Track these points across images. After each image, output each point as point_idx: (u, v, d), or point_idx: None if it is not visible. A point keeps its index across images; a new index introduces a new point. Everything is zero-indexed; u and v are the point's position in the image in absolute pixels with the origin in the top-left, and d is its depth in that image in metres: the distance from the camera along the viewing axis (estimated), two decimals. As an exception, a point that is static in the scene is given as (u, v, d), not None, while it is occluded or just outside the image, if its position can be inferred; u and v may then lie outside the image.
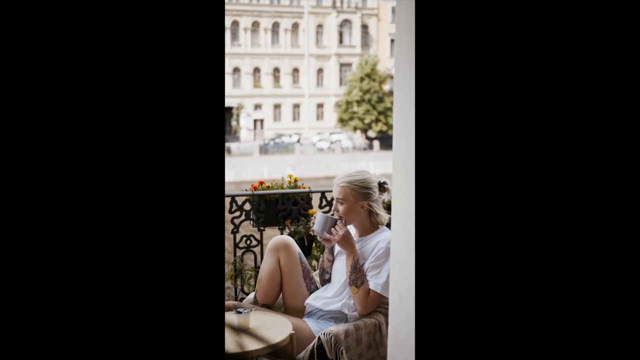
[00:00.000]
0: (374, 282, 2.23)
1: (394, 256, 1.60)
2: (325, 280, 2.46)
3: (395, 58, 1.55)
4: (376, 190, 2.36)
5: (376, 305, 2.26)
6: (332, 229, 2.28)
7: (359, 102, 31.09)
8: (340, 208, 2.33)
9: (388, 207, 2.49)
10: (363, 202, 2.32)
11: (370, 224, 2.37)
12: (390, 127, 31.66)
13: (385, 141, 31.18)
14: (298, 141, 31.29)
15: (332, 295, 2.35)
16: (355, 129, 31.73)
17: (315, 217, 2.35)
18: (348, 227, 2.39)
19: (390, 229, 2.42)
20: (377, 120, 31.40)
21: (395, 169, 1.57)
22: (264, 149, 29.55)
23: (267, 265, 2.41)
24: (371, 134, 32.20)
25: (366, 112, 30.92)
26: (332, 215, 2.37)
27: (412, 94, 1.38)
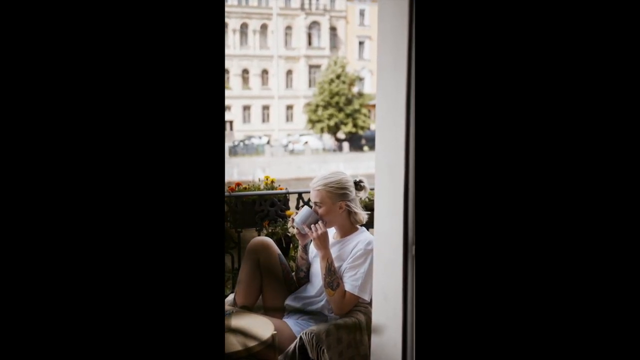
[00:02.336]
0: (351, 284, 2.24)
1: (378, 256, 1.62)
2: (301, 279, 2.47)
3: (378, 59, 1.57)
4: (352, 189, 2.38)
5: (352, 306, 2.27)
6: (313, 225, 2.28)
7: (324, 107, 31.21)
8: (319, 211, 2.33)
9: (366, 206, 2.51)
10: (341, 202, 2.33)
11: (350, 225, 2.39)
12: (359, 128, 31.84)
13: (355, 142, 31.33)
14: (268, 143, 31.18)
15: (312, 296, 2.36)
16: (322, 130, 31.82)
17: (300, 208, 2.36)
18: (329, 229, 2.40)
19: (367, 229, 2.46)
20: (343, 123, 31.55)
21: (378, 169, 1.58)
22: (233, 151, 29.34)
23: (246, 267, 2.40)
24: (340, 135, 32.33)
25: (330, 116, 31.07)
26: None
27: (398, 94, 1.40)
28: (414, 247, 1.42)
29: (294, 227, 2.38)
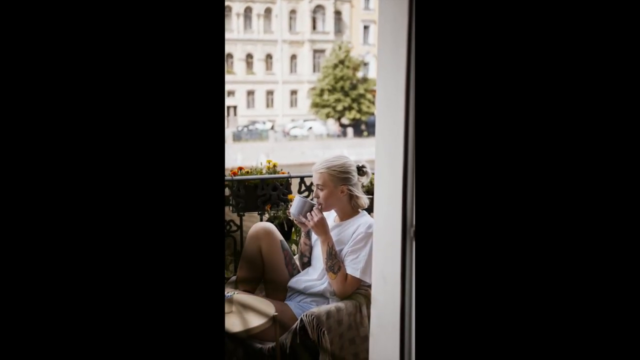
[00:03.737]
0: (352, 267, 2.27)
1: (377, 240, 1.64)
2: (304, 264, 2.50)
3: (378, 46, 1.57)
4: (355, 174, 2.39)
5: (355, 289, 2.30)
6: (308, 213, 2.31)
7: (330, 91, 31.07)
8: (321, 194, 2.35)
9: (367, 191, 2.52)
10: (342, 186, 2.35)
11: (351, 209, 2.41)
12: (363, 114, 31.72)
13: (359, 128, 31.25)
14: (272, 128, 31.14)
15: (314, 279, 2.39)
16: (327, 116, 31.72)
17: (294, 199, 2.38)
18: (329, 212, 2.42)
19: (369, 213, 2.48)
20: (350, 108, 31.45)
21: (378, 155, 1.59)
22: (237, 136, 29.34)
23: (248, 252, 2.42)
24: (345, 121, 32.24)
25: (337, 100, 30.94)
26: (312, 200, 2.40)
27: (397, 80, 1.41)
28: (412, 230, 1.44)
29: (290, 216, 2.40)
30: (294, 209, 2.34)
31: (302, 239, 2.48)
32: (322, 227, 2.30)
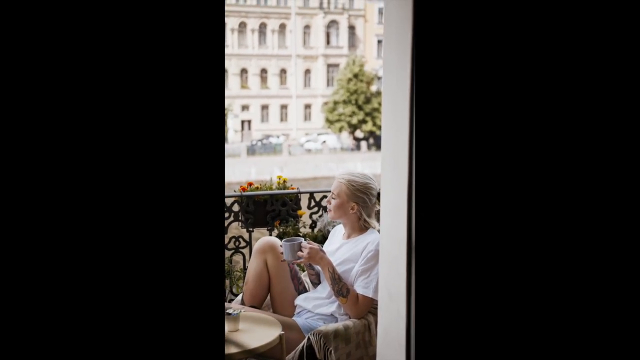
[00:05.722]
0: (364, 287, 2.23)
1: (383, 255, 1.61)
2: (316, 284, 2.47)
3: (383, 59, 1.56)
4: (372, 198, 2.35)
5: (369, 308, 2.26)
6: (299, 252, 2.28)
7: (345, 103, 31.16)
8: (332, 202, 2.34)
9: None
10: (354, 204, 2.33)
11: (359, 227, 2.38)
12: (378, 127, 31.71)
13: (374, 141, 31.23)
14: (287, 142, 31.25)
15: (323, 297, 2.35)
16: (341, 129, 31.78)
17: (282, 247, 2.35)
18: (338, 224, 2.39)
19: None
20: (364, 121, 31.49)
21: (384, 167, 1.57)
22: (251, 150, 29.48)
23: (253, 267, 2.40)
24: (359, 134, 32.27)
25: (352, 113, 31.01)
26: (296, 237, 2.40)
27: (402, 93, 1.39)
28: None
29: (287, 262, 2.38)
30: (285, 255, 2.31)
31: (307, 270, 2.46)
32: (317, 257, 2.26)
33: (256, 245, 2.44)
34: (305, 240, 2.32)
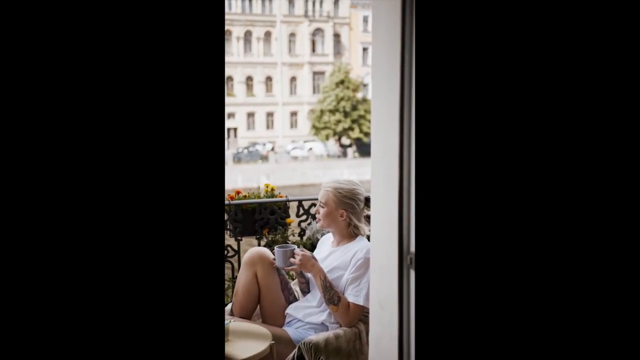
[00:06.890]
0: (355, 295, 2.22)
1: (374, 264, 1.60)
2: (306, 292, 2.45)
3: (372, 67, 1.56)
4: (360, 203, 2.36)
5: (359, 316, 2.25)
6: (291, 259, 2.27)
7: (332, 111, 31.24)
8: (321, 211, 2.34)
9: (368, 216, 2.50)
10: (343, 211, 2.32)
11: (348, 234, 2.38)
12: (364, 134, 31.83)
13: (360, 148, 31.31)
14: (272, 149, 31.22)
15: (313, 306, 2.34)
16: (327, 137, 31.84)
17: (275, 252, 2.35)
18: (327, 232, 2.39)
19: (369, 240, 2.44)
20: (350, 129, 31.58)
21: (374, 177, 1.57)
22: (237, 158, 29.40)
23: (243, 279, 2.37)
24: (345, 141, 32.35)
25: (338, 121, 31.10)
26: (289, 244, 2.40)
27: (392, 102, 1.39)
28: (409, 257, 1.40)
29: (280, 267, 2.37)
30: (277, 261, 2.31)
31: (298, 278, 2.45)
32: (309, 264, 2.26)
33: (245, 257, 2.42)
34: (298, 247, 2.31)
